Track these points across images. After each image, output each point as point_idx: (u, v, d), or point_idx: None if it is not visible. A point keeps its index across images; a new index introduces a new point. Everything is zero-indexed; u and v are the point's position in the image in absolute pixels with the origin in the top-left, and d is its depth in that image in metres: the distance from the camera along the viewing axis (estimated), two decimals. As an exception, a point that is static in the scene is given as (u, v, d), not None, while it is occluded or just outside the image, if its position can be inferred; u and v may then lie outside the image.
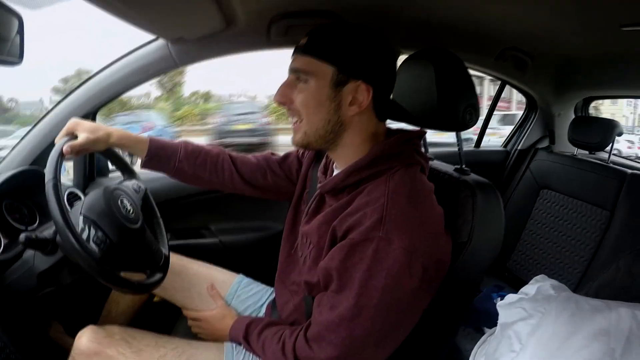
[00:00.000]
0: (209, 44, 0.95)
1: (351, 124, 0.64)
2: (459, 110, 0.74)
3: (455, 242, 0.68)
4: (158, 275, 0.76)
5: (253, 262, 1.16)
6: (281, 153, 0.93)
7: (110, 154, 0.88)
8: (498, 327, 0.51)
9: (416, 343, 0.65)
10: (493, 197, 0.72)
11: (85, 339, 0.70)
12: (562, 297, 0.47)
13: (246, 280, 0.96)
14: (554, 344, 0.42)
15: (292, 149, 0.85)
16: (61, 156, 0.70)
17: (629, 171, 1.30)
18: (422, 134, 0.69)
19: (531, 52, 1.26)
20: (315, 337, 0.59)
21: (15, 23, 0.61)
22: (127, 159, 0.95)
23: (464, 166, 0.81)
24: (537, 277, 0.55)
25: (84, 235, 0.66)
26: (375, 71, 0.63)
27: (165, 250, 0.83)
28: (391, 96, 0.69)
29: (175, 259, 0.93)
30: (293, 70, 0.64)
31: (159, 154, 0.82)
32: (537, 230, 1.50)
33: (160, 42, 0.97)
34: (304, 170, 0.84)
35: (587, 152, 1.58)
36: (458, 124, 0.76)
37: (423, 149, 0.73)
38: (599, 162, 1.44)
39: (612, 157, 1.48)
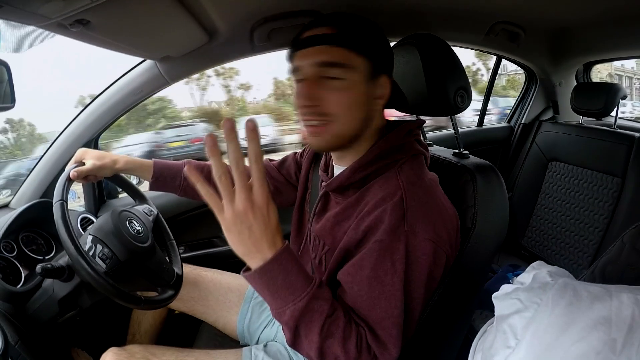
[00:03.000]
0: (195, 58, 0.96)
1: (372, 119, 0.62)
2: (450, 94, 0.73)
3: (461, 229, 0.67)
4: (169, 292, 0.78)
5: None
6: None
7: (118, 180, 0.90)
8: (495, 320, 0.49)
9: (431, 330, 0.65)
10: (494, 179, 0.71)
11: None
12: (559, 285, 0.44)
13: None
14: (550, 337, 0.40)
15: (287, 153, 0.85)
16: (68, 180, 0.74)
17: (637, 134, 1.25)
18: (421, 124, 0.68)
19: (522, 24, 1.23)
20: (380, 339, 0.54)
21: (4, 71, 0.64)
22: (134, 182, 0.98)
23: (462, 149, 0.80)
24: (534, 264, 0.52)
25: (91, 252, 0.69)
26: (392, 63, 0.63)
27: (178, 270, 0.85)
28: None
29: (189, 269, 0.95)
30: (321, 64, 0.55)
31: (163, 175, 0.85)
32: (549, 205, 1.47)
33: (149, 62, 0.98)
34: (304, 171, 0.84)
35: (593, 119, 1.54)
36: (450, 108, 0.75)
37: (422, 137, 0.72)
38: (605, 128, 1.40)
39: (620, 121, 1.43)
